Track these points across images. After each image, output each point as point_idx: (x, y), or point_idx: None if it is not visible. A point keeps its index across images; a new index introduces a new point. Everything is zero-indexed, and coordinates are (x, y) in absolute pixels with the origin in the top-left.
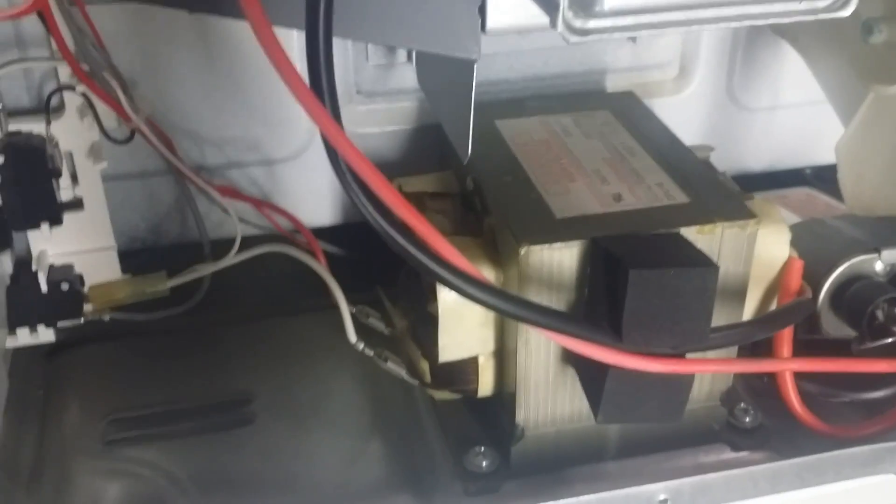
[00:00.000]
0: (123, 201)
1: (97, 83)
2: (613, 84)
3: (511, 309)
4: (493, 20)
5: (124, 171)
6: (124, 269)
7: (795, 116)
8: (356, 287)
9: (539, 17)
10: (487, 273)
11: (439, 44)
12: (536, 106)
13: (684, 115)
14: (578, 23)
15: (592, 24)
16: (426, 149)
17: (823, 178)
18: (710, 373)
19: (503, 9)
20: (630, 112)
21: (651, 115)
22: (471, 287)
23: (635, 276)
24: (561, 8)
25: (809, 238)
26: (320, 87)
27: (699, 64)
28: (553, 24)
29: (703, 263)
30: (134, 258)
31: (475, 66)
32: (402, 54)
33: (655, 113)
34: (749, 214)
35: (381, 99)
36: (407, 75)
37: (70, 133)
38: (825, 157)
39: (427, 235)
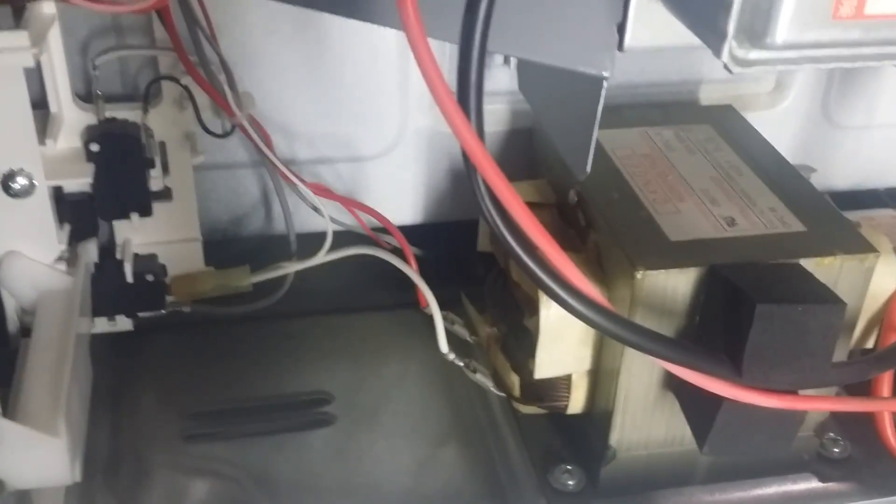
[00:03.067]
0: (209, 192)
1: (204, 75)
2: (707, 95)
3: (633, 338)
4: (632, 38)
5: (211, 161)
6: (207, 260)
7: (887, 137)
8: (436, 288)
9: (681, 36)
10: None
11: (570, 58)
12: (634, 116)
13: (776, 130)
14: (742, 53)
15: (755, 55)
16: (516, 153)
17: None
18: (823, 410)
19: (644, 27)
20: (732, 127)
21: (754, 132)
22: (595, 314)
23: (762, 311)
24: (728, 38)
25: None
26: (468, 102)
27: (796, 79)
28: (717, 53)
29: (830, 300)
30: (213, 249)
31: (605, 83)
32: (498, 57)
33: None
34: (868, 247)
35: None
36: (501, 78)
37: (165, 123)
38: None
39: (555, 258)
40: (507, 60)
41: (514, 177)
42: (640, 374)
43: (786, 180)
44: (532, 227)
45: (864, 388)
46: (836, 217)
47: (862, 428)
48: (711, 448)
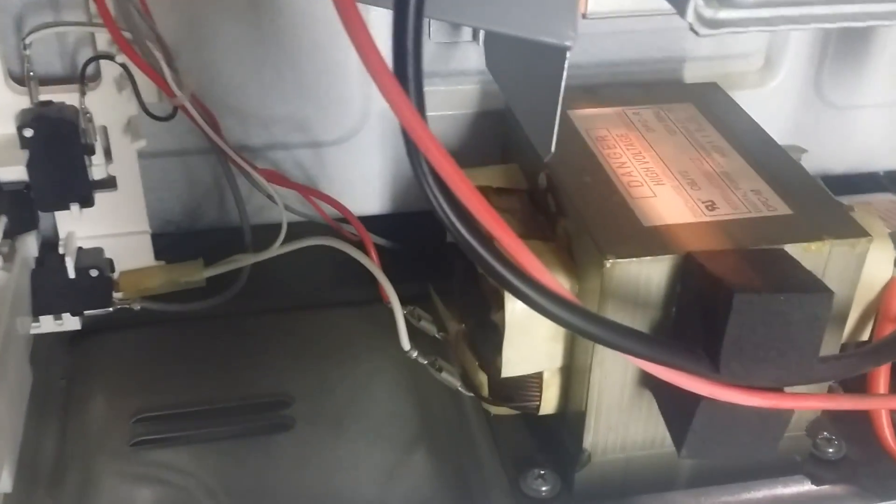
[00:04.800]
0: (159, 181)
1: (139, 53)
2: (693, 73)
3: (596, 331)
4: (595, 3)
5: (160, 148)
6: (157, 254)
7: (885, 116)
8: (404, 282)
9: (647, 0)
10: (560, 283)
11: (529, 27)
12: (613, 95)
13: (767, 110)
14: (710, 13)
15: (725, 14)
16: (487, 136)
17: None
18: (810, 409)
19: None
20: (716, 106)
21: (739, 111)
22: (558, 307)
23: (740, 301)
24: None
25: None
26: (405, 71)
27: (787, 55)
28: (682, 13)
29: (816, 289)
30: (167, 242)
31: (568, 54)
32: (467, 32)
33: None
34: (860, 231)
35: (440, 80)
36: (471, 55)
37: (106, 106)
38: None
39: (511, 247)
40: (475, 36)
41: (486, 161)
42: (613, 371)
43: (772, 161)
44: (483, 212)
45: (860, 384)
46: (826, 200)
47: (858, 427)
48: (690, 451)
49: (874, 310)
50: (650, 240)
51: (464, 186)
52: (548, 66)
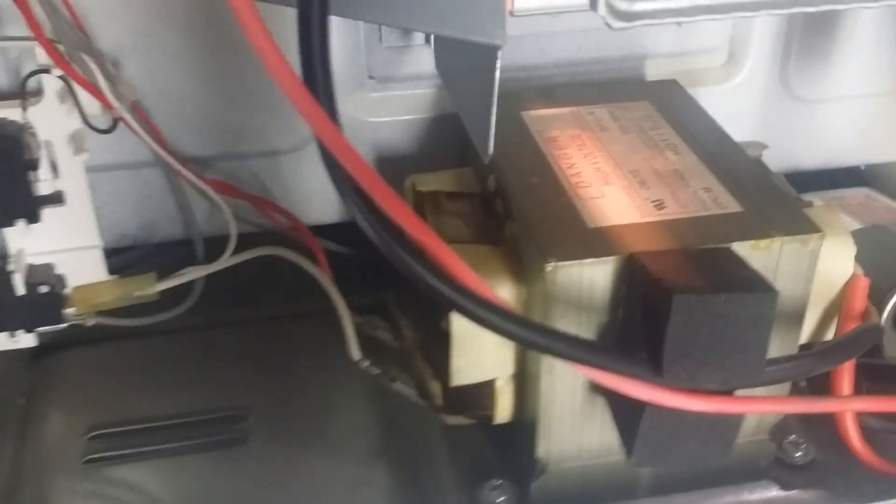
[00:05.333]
0: (111, 194)
1: (75, 66)
2: (654, 71)
3: (529, 337)
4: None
5: (112, 161)
6: (112, 269)
7: (854, 109)
8: (365, 291)
9: None
10: (508, 289)
11: (458, 26)
12: (568, 95)
13: (733, 106)
14: (624, 5)
15: (640, 6)
16: (446, 141)
17: (881, 176)
18: (762, 413)
19: None
20: (673, 103)
21: (696, 107)
22: (480, 309)
23: (680, 302)
24: None
25: (870, 247)
26: (314, 77)
27: (751, 49)
28: (593, 6)
29: (759, 288)
30: (124, 256)
31: (499, 53)
32: (419, 35)
33: (701, 104)
34: (812, 227)
35: (395, 85)
36: (425, 58)
37: (49, 120)
38: (884, 153)
39: (434, 249)
40: (427, 39)
41: (446, 166)
42: (563, 377)
43: (726, 158)
44: (406, 220)
45: (826, 384)
46: (779, 196)
47: (828, 429)
48: (639, 458)
49: (837, 308)
50: (594, 241)
51: (384, 195)
52: (483, 66)
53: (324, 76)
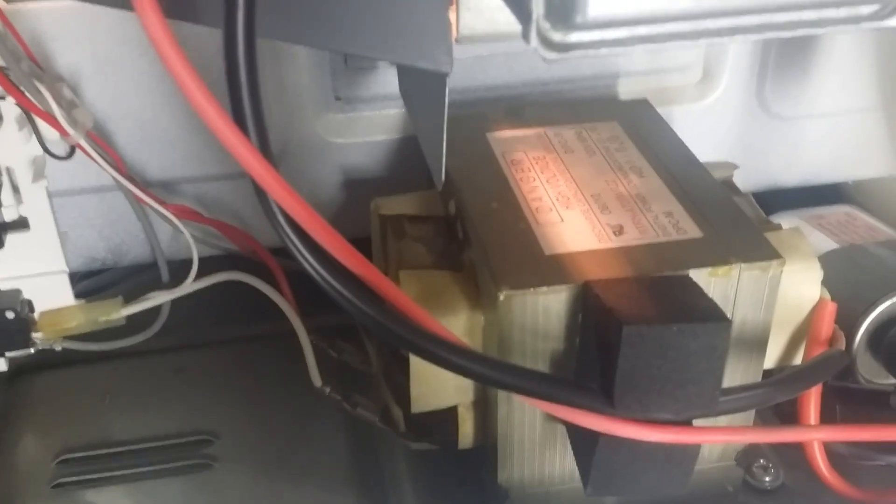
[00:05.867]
0: (78, 218)
1: (28, 94)
2: (627, 90)
3: (474, 368)
4: (465, 27)
5: (77, 185)
6: (83, 293)
7: (834, 126)
8: (333, 312)
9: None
10: (465, 317)
11: (404, 52)
12: (536, 115)
13: (708, 125)
14: (558, 36)
15: (575, 37)
16: (414, 163)
17: (865, 192)
18: (719, 443)
19: (477, 13)
20: (641, 123)
21: (665, 127)
22: (421, 340)
23: (630, 333)
24: (534, 18)
25: (847, 268)
26: (241, 107)
27: (726, 67)
28: (526, 37)
29: (712, 318)
30: (96, 279)
31: (447, 80)
32: None
33: (675, 122)
34: (772, 253)
35: (363, 106)
36: (391, 79)
37: (8, 146)
38: (865, 170)
39: (377, 282)
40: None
41: (413, 188)
42: (521, 405)
43: (691, 181)
44: (341, 251)
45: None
46: (741, 221)
47: (796, 452)
48: (595, 488)
49: (805, 332)
50: (549, 269)
51: (316, 225)
52: (433, 92)
53: (252, 102)
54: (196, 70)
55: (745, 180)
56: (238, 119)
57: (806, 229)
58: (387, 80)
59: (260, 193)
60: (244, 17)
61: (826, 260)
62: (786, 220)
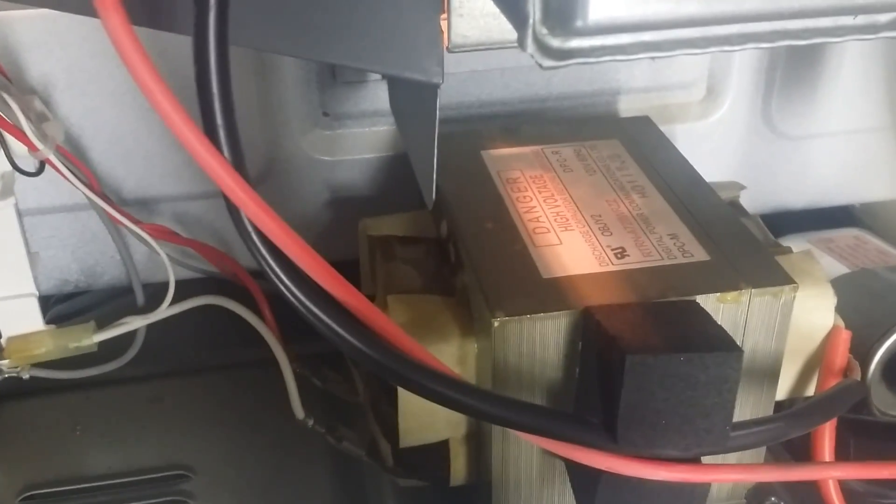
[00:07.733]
0: (50, 239)
1: None
2: (628, 107)
3: (466, 401)
4: (456, 35)
5: (49, 203)
6: (54, 317)
7: (842, 146)
8: (318, 338)
9: (513, 31)
10: (457, 344)
11: (393, 63)
12: (534, 133)
13: (712, 144)
14: (556, 42)
15: (575, 43)
16: (405, 181)
17: (873, 215)
18: (729, 482)
19: (470, 21)
20: (644, 141)
21: (668, 145)
22: (409, 371)
23: (634, 363)
24: (531, 23)
25: (858, 294)
26: (212, 116)
27: (731, 84)
28: (522, 44)
29: (722, 347)
30: (68, 304)
31: (438, 92)
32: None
33: (678, 141)
34: (784, 278)
35: (351, 122)
36: (381, 95)
37: None
38: (874, 192)
39: (360, 308)
40: (384, 75)
41: (403, 207)
42: (517, 439)
43: (696, 201)
44: (322, 273)
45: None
46: (751, 243)
47: (809, 488)
48: None
49: (818, 361)
50: (546, 294)
51: (294, 245)
52: (424, 105)
53: (224, 116)
54: (165, 78)
55: (751, 202)
56: (209, 130)
57: (815, 253)
58: (376, 95)
59: (232, 210)
60: (216, 19)
61: (836, 285)
62: (794, 244)
